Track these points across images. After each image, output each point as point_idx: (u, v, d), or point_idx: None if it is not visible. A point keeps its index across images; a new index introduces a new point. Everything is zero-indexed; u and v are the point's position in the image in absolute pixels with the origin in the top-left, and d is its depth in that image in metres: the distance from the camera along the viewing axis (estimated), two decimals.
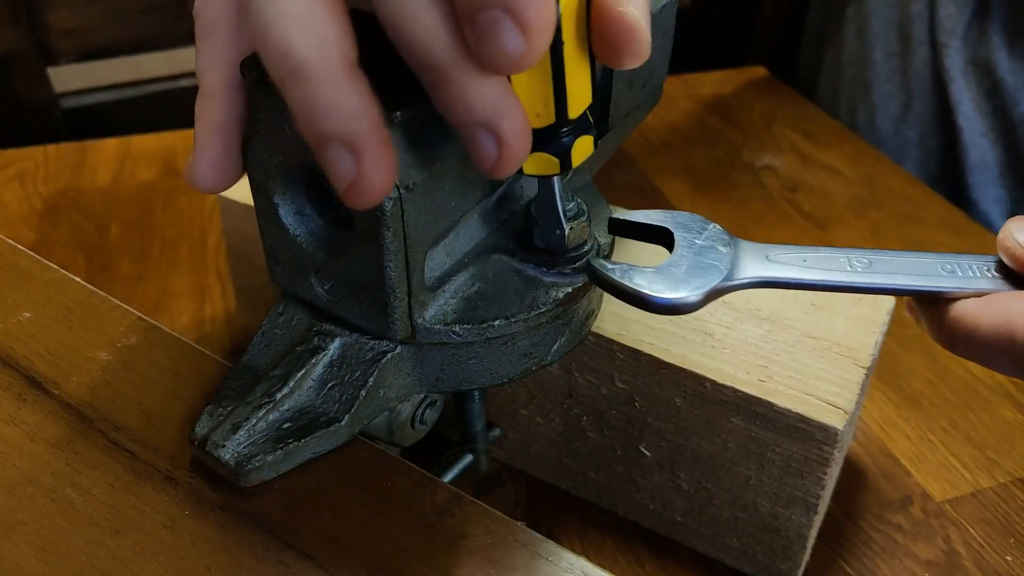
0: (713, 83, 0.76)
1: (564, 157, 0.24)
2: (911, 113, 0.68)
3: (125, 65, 0.90)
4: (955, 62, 0.63)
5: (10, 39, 0.84)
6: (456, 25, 0.20)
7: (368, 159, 0.20)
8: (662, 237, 0.28)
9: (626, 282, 0.26)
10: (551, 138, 0.24)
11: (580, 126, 0.24)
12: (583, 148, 0.24)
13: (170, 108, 0.96)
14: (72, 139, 0.68)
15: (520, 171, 0.24)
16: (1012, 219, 0.25)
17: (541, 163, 0.24)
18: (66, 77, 0.88)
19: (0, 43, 0.80)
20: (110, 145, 0.66)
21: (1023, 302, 0.24)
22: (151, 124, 0.72)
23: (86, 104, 0.90)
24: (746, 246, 0.27)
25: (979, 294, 0.25)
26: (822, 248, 0.27)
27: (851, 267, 0.26)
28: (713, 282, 0.26)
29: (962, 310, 0.24)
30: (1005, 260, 0.25)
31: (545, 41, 0.20)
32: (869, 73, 0.70)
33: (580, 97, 0.23)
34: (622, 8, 0.21)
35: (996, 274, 0.25)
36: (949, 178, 0.66)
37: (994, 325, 0.23)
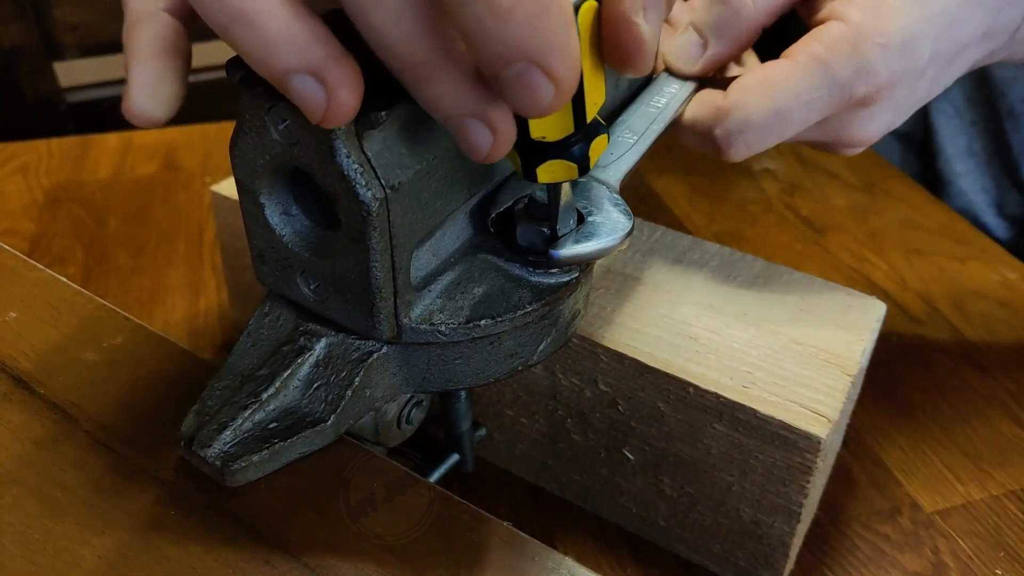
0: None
1: (583, 161, 0.24)
2: None
3: None
4: None
5: (16, 34, 0.84)
6: (431, 20, 0.20)
7: (335, 81, 0.20)
8: None
9: (590, 250, 0.27)
10: (568, 145, 0.24)
11: (594, 128, 0.24)
12: (599, 148, 0.25)
13: None
14: (77, 133, 0.68)
15: (535, 177, 0.25)
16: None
17: (560, 170, 0.24)
18: (71, 72, 0.88)
19: (6, 38, 0.81)
20: (112, 139, 0.67)
21: (707, 93, 0.33)
22: None
23: (91, 98, 0.90)
24: (592, 185, 0.30)
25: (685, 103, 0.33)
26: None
27: (635, 133, 0.32)
28: (624, 205, 0.29)
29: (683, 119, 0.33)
30: (671, 68, 0.34)
31: (573, 86, 0.20)
32: None
33: (595, 101, 0.24)
34: (636, 19, 0.22)
35: (672, 78, 0.34)
36: (934, 168, 0.66)
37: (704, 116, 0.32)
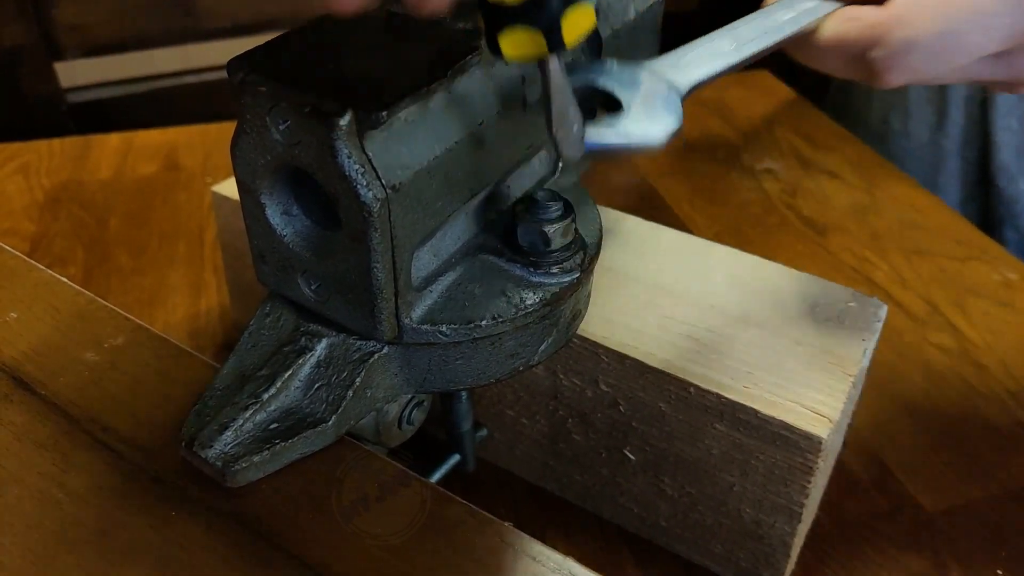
0: (715, 85, 0.76)
1: (552, 30, 0.20)
2: (947, 121, 0.66)
3: (131, 61, 0.90)
4: None
5: (17, 34, 0.84)
6: None
7: None
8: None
9: (623, 140, 0.25)
10: (532, 8, 0.20)
11: None
12: (578, 20, 0.20)
13: (175, 104, 0.97)
14: (77, 133, 0.69)
15: (499, 50, 0.21)
16: None
17: (525, 41, 0.20)
18: (72, 72, 0.89)
19: (7, 38, 0.81)
20: (113, 140, 0.67)
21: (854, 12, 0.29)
22: (156, 119, 0.72)
23: (92, 99, 0.91)
24: (657, 67, 0.27)
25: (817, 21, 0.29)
26: (705, 39, 0.29)
27: (737, 42, 0.29)
28: (677, 108, 0.26)
29: (819, 36, 0.29)
30: None
31: None
32: None
33: None
34: None
35: None
36: (995, 186, 0.64)
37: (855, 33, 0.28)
